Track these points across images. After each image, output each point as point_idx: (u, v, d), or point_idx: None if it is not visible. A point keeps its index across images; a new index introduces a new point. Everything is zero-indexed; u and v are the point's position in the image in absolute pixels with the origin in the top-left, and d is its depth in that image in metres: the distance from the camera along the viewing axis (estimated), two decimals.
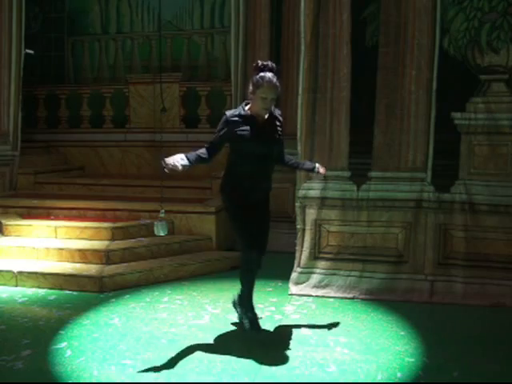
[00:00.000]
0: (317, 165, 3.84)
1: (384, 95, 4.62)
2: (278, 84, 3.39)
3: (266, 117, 3.47)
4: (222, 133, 3.40)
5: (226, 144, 3.50)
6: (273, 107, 3.51)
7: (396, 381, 3.09)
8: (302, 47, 4.71)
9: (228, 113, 3.46)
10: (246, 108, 3.46)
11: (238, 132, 3.36)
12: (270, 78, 3.36)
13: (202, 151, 3.36)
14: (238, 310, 3.77)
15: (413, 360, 3.37)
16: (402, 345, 3.59)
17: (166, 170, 3.15)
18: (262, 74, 3.37)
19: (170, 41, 8.07)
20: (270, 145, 3.46)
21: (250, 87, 3.43)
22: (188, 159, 3.24)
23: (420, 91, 4.55)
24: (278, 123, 3.53)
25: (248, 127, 3.38)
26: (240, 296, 3.74)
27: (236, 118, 3.40)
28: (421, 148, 4.58)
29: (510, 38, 4.43)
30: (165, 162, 3.15)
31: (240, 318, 3.76)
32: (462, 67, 4.61)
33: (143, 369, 3.21)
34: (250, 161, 3.40)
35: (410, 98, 4.57)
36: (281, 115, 3.60)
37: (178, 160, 3.18)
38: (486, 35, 4.47)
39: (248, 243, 3.48)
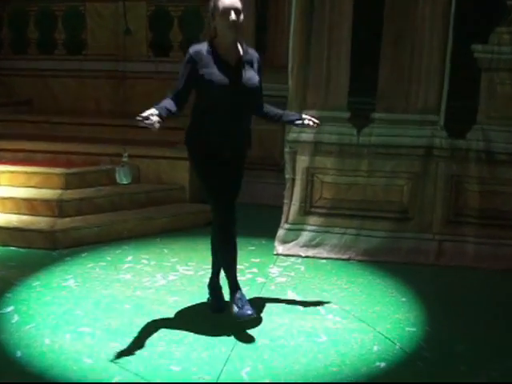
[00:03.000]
0: (304, 116, 3.57)
1: (392, 22, 4.54)
2: None
3: (241, 53, 3.29)
4: (186, 76, 3.22)
5: None
6: (245, 46, 3.33)
7: (394, 352, 3.18)
8: None
9: (192, 49, 3.26)
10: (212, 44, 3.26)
11: (206, 76, 3.19)
12: None
13: (169, 103, 3.18)
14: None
15: (414, 330, 3.45)
16: (403, 313, 3.68)
17: (140, 123, 3.00)
18: None
19: None
20: (246, 91, 3.27)
21: (210, 15, 3.26)
22: (160, 115, 3.06)
23: (435, 17, 4.47)
24: (254, 63, 3.34)
25: (217, 68, 3.21)
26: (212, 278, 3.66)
27: (202, 55, 3.21)
28: (434, 86, 4.55)
29: None
30: (141, 116, 2.98)
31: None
32: None
33: (103, 338, 3.24)
34: (222, 111, 3.25)
35: (424, 25, 4.50)
36: (259, 60, 3.38)
37: (150, 114, 3.02)
38: None
39: (220, 204, 3.39)
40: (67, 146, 5.96)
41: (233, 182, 3.44)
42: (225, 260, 3.48)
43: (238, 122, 3.34)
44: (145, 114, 3.00)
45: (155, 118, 3.00)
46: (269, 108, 3.54)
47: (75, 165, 5.71)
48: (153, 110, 3.04)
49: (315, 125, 3.53)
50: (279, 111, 3.58)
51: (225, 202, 3.38)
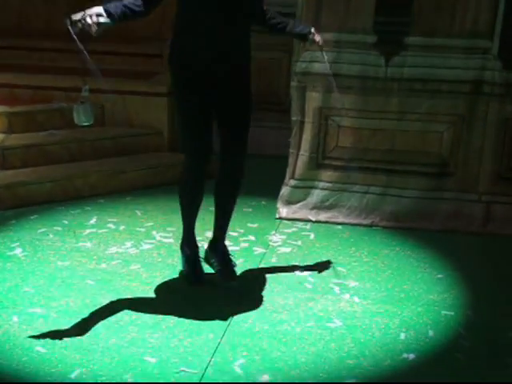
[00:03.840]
0: (313, 29, 3.73)
1: None
2: None
3: None
4: None
5: None
6: None
7: (426, 341, 3.23)
8: None
9: None
10: None
11: None
12: None
13: (133, 0, 3.21)
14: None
15: (451, 313, 3.52)
16: (438, 293, 3.74)
17: (71, 30, 3.02)
18: None
19: None
20: None
21: None
22: (109, 13, 3.09)
23: None
24: None
25: None
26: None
27: None
28: (486, 2, 4.50)
29: None
30: (70, 18, 3.01)
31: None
32: None
33: (59, 321, 3.28)
34: (206, 15, 3.27)
35: None
36: None
37: (94, 14, 3.04)
38: None
39: (191, 148, 3.47)
40: (10, 78, 5.94)
41: (230, 116, 3.48)
42: (183, 215, 3.75)
43: (230, 30, 3.35)
44: (78, 17, 2.99)
45: (95, 26, 2.99)
46: (275, 16, 3.60)
47: (21, 102, 5.71)
48: (97, 10, 3.03)
49: (320, 43, 3.73)
50: (284, 20, 3.66)
51: (198, 143, 3.45)
